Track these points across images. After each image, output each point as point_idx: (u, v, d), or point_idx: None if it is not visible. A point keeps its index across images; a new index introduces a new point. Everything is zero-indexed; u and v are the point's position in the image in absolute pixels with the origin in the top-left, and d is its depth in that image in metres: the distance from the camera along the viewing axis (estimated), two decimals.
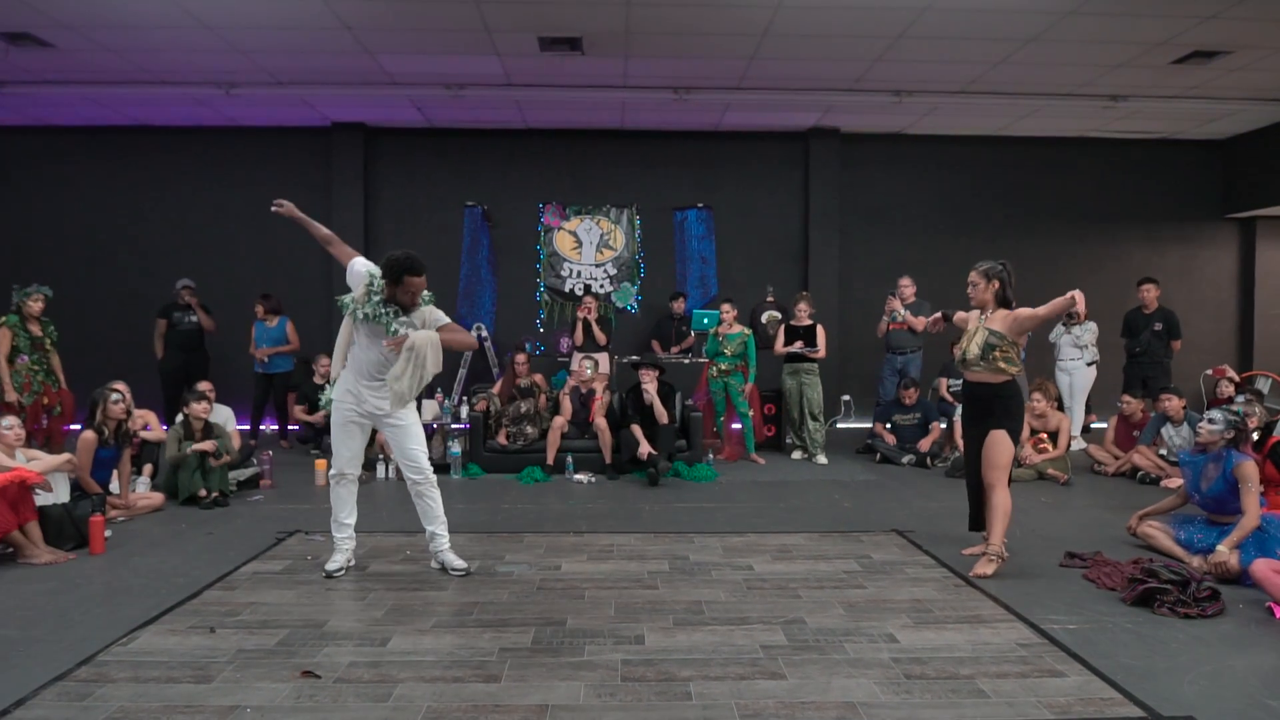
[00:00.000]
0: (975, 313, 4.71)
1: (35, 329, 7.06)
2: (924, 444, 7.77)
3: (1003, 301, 4.58)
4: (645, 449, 7.04)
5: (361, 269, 4.25)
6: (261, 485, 6.71)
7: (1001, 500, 4.47)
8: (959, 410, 7.80)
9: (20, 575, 4.39)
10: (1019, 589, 4.16)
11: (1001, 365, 4.45)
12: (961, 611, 3.87)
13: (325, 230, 4.50)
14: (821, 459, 7.94)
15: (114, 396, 5.61)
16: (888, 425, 8.17)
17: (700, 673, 3.18)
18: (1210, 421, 4.63)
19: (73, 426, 7.22)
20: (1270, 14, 6.59)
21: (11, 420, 5.04)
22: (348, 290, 4.29)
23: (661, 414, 7.30)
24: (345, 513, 4.49)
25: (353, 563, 4.54)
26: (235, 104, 9.04)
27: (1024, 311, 4.45)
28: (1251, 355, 10.57)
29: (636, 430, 7.19)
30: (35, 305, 7.06)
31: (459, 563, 4.47)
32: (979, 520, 4.79)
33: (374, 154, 10.18)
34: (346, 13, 6.70)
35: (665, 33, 7.15)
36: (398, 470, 7.08)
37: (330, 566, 4.41)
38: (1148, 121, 9.71)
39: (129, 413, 5.78)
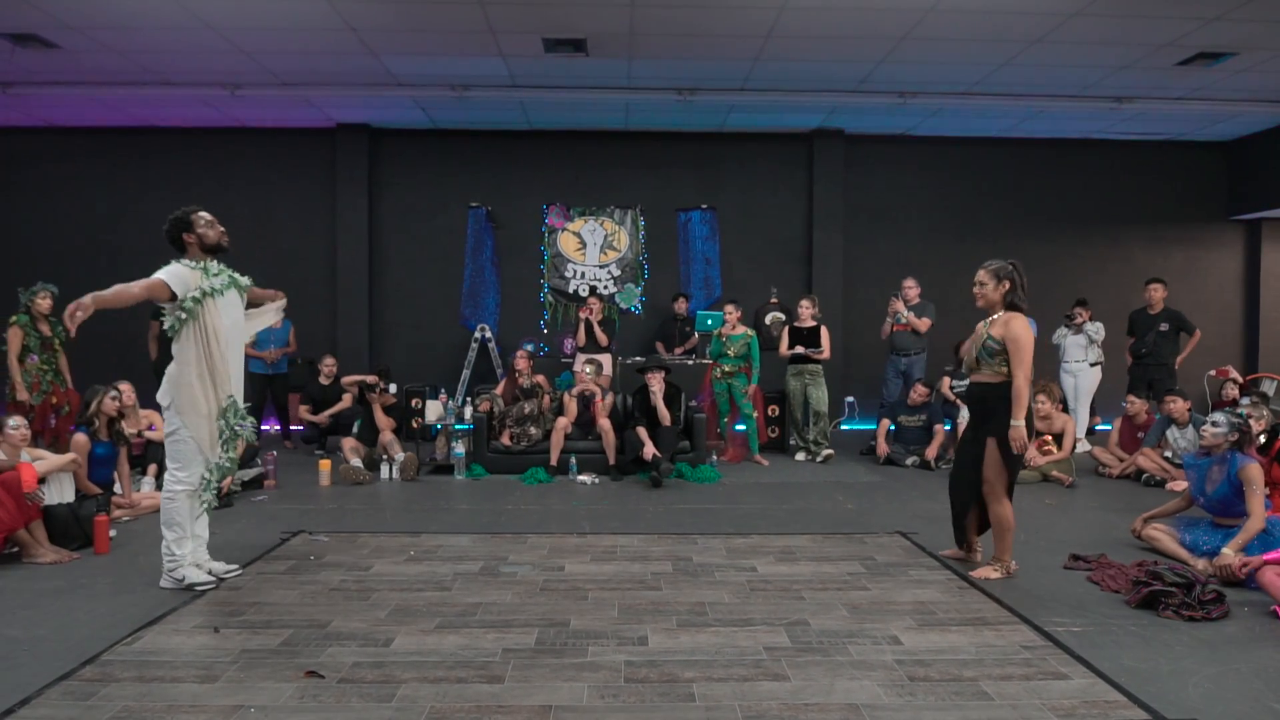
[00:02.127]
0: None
1: (45, 329, 7.13)
2: (930, 451, 7.74)
3: (1011, 304, 4.38)
4: (650, 450, 7.04)
5: (170, 270, 4.04)
6: (265, 486, 6.72)
7: (1002, 513, 4.37)
8: (963, 411, 7.82)
9: (25, 574, 4.40)
10: (1023, 591, 4.16)
11: (1001, 369, 4.29)
12: (965, 613, 3.86)
13: (117, 289, 3.89)
14: (825, 460, 7.94)
15: (110, 394, 5.67)
16: (892, 426, 8.16)
17: (703, 674, 3.18)
18: (1214, 424, 4.62)
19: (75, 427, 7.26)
20: (1275, 15, 6.57)
21: (18, 420, 5.06)
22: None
23: (664, 416, 7.31)
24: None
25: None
26: (240, 105, 9.06)
27: (1026, 355, 4.20)
28: (1257, 357, 10.55)
29: (641, 432, 7.19)
30: (43, 303, 7.11)
31: (229, 566, 4.38)
32: (965, 532, 4.70)
33: (378, 155, 10.20)
34: (351, 14, 6.71)
35: (669, 34, 7.16)
36: (401, 470, 7.13)
37: (199, 579, 4.19)
38: (1152, 123, 9.69)
39: (120, 414, 5.82)
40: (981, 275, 4.43)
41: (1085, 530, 5.43)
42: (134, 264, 10.02)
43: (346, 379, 8.26)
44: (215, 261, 4.30)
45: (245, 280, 4.44)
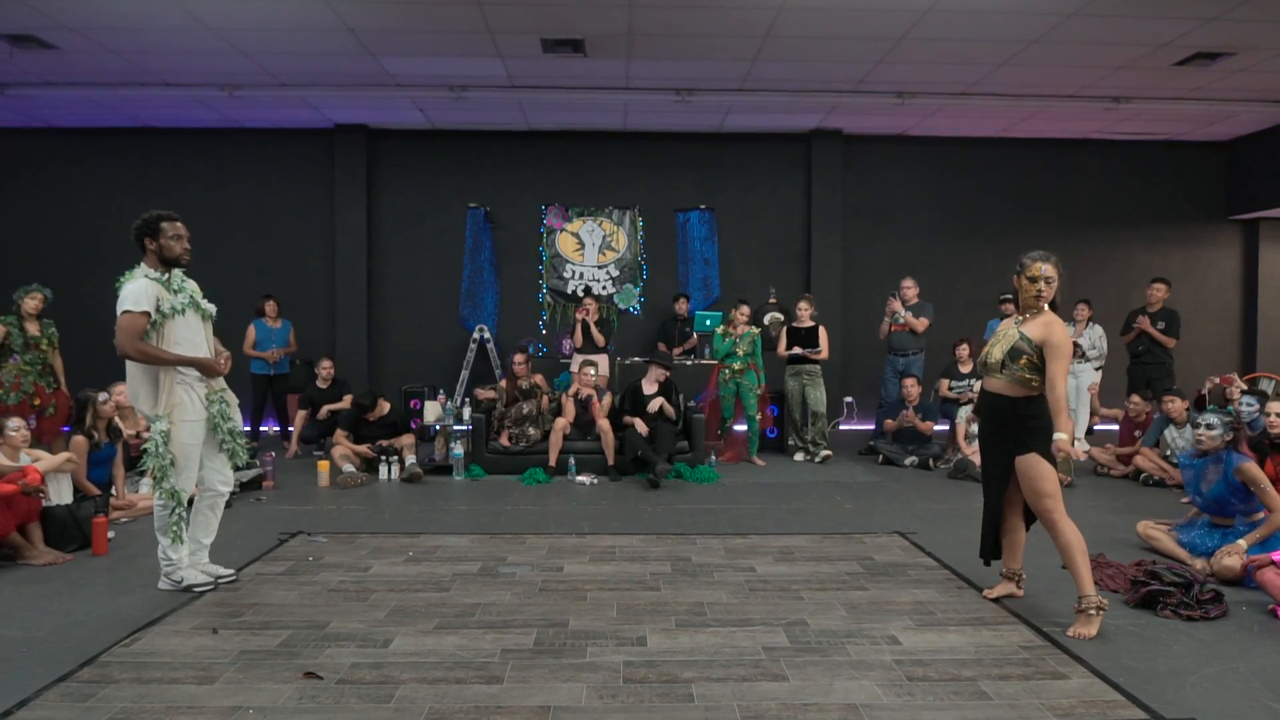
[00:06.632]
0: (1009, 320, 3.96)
1: (33, 329, 6.98)
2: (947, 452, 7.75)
3: (1052, 303, 3.81)
4: (642, 429, 7.18)
5: (132, 289, 3.96)
6: (264, 486, 6.72)
7: (1067, 534, 3.70)
8: (961, 410, 7.82)
9: (23, 576, 4.40)
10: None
11: (1025, 376, 3.72)
12: (964, 613, 3.86)
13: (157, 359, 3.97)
14: (823, 460, 7.94)
15: (101, 396, 5.68)
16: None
17: (702, 674, 3.18)
18: (1209, 427, 4.63)
19: (67, 429, 7.21)
20: (1273, 15, 6.58)
21: (18, 422, 5.06)
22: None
23: (656, 404, 7.41)
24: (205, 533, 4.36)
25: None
26: (238, 105, 9.06)
27: (1062, 363, 3.66)
28: (1255, 357, 10.56)
29: (638, 422, 7.28)
30: (30, 304, 6.96)
31: (226, 571, 4.34)
32: (994, 548, 4.12)
33: (377, 155, 10.20)
34: (349, 14, 6.71)
35: (668, 34, 7.16)
36: (400, 470, 7.12)
37: (197, 580, 4.18)
38: (1150, 123, 9.70)
39: (118, 413, 5.84)
40: (1050, 270, 3.74)
41: (1084, 530, 5.29)
42: (132, 265, 10.07)
43: (339, 447, 7.61)
44: (178, 274, 4.15)
45: (211, 308, 4.25)
